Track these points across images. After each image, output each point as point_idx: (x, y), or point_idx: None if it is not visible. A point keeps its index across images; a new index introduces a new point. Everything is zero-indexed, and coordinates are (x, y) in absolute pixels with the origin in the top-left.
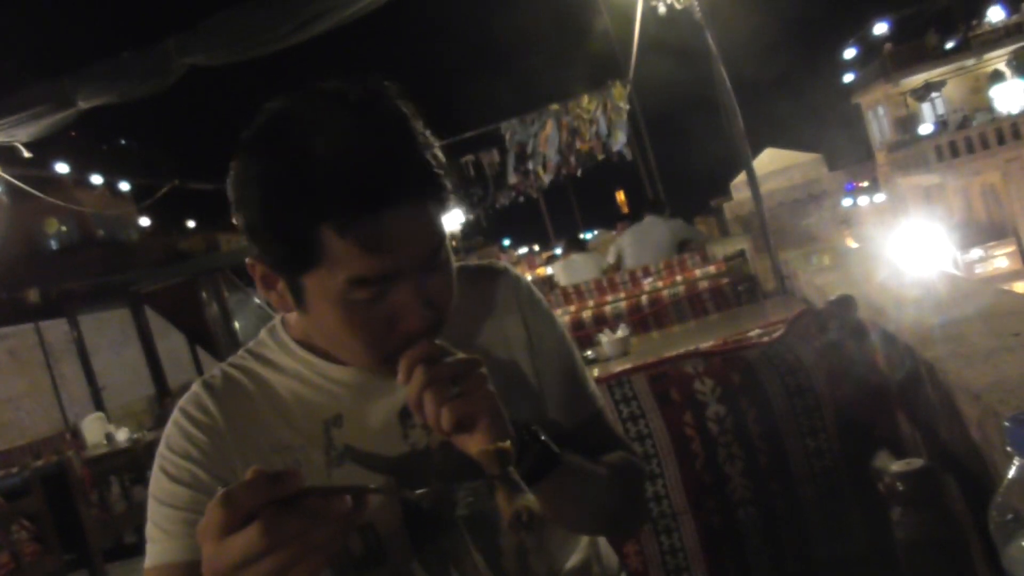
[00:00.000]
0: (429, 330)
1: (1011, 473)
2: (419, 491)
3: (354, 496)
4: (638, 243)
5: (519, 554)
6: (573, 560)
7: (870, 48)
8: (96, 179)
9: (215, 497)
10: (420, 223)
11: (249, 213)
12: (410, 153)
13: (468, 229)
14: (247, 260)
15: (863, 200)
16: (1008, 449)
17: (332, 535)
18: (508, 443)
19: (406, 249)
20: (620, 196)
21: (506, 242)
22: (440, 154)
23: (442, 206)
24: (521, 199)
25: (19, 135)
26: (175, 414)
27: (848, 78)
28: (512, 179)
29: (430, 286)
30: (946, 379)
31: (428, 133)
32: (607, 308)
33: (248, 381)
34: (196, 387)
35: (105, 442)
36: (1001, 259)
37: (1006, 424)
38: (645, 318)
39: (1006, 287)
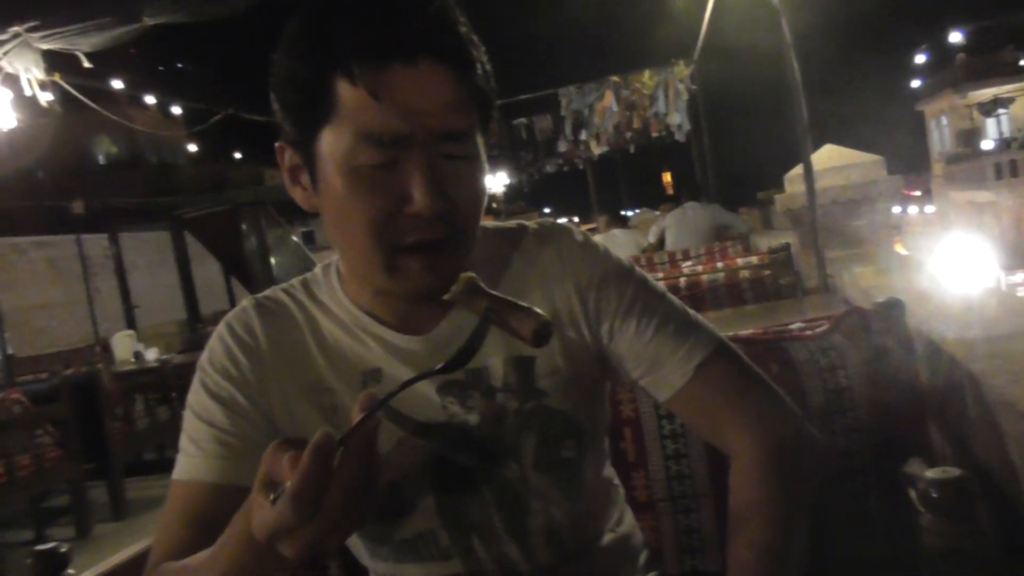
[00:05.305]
0: (439, 220)
1: None
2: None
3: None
4: (678, 226)
5: (549, 531)
6: (606, 538)
7: (941, 56)
8: (150, 99)
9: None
10: (437, 86)
11: (274, 75)
12: (435, 13)
13: (510, 193)
14: (276, 144)
15: (912, 210)
16: None
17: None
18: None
19: (419, 108)
20: (666, 177)
21: (547, 210)
22: (476, 40)
23: (469, 82)
24: (567, 168)
25: (82, 44)
26: (221, 328)
27: (915, 84)
28: (562, 147)
29: (448, 174)
30: (990, 394)
31: (470, 28)
32: None
33: (299, 313)
34: (247, 304)
35: (133, 360)
36: None
37: None
38: (681, 301)
39: None
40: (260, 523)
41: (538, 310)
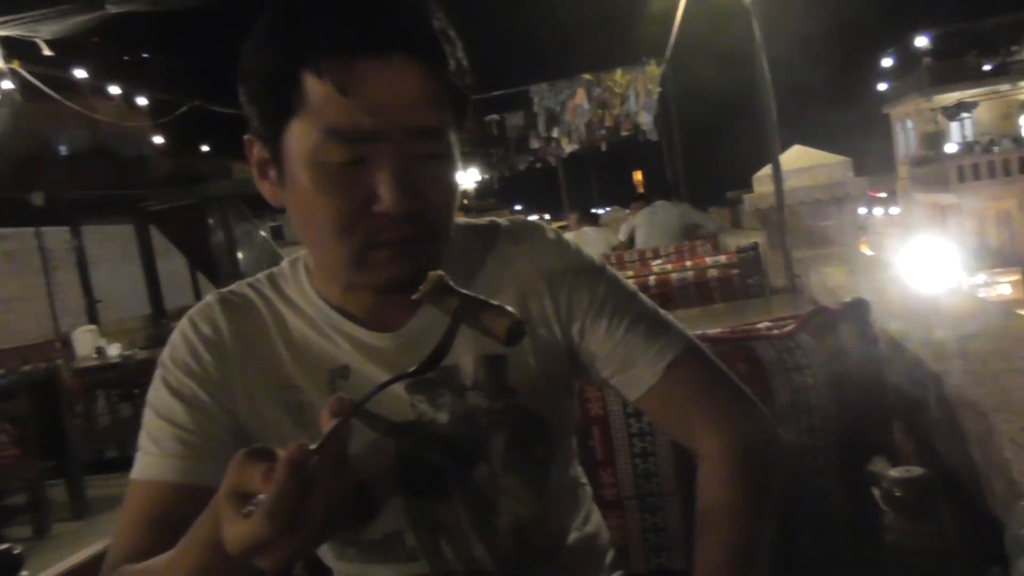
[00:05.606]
0: (409, 219)
1: None
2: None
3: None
4: (649, 225)
5: (516, 531)
6: (572, 537)
7: (908, 60)
8: (114, 89)
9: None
10: (409, 81)
11: (242, 66)
12: (410, 6)
13: (481, 189)
14: (245, 137)
15: (877, 211)
16: None
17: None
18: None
19: (388, 104)
20: (637, 176)
21: (517, 207)
22: (452, 34)
23: (443, 77)
24: (539, 165)
25: (42, 31)
26: (184, 323)
27: (881, 87)
28: (534, 144)
29: (418, 172)
30: (953, 394)
31: (446, 23)
32: None
33: (265, 309)
34: (211, 299)
35: (95, 355)
36: (1005, 286)
37: None
38: (651, 299)
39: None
40: (235, 537)
41: (510, 308)
